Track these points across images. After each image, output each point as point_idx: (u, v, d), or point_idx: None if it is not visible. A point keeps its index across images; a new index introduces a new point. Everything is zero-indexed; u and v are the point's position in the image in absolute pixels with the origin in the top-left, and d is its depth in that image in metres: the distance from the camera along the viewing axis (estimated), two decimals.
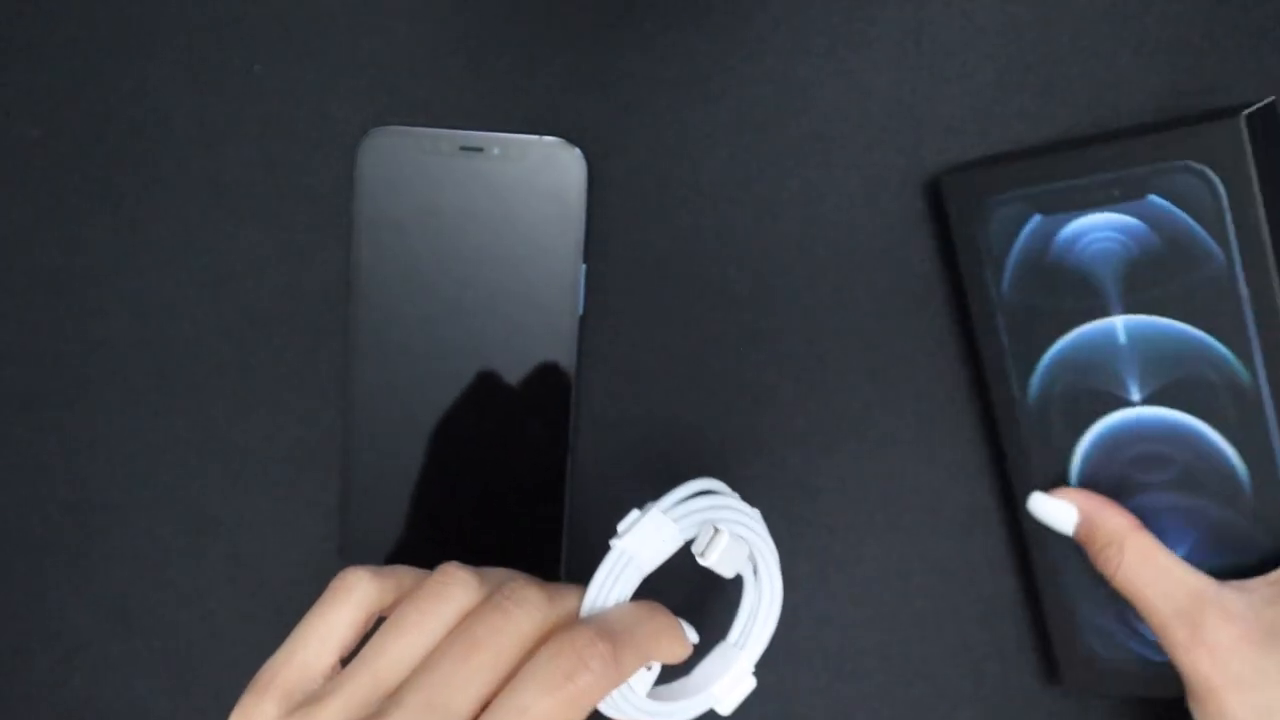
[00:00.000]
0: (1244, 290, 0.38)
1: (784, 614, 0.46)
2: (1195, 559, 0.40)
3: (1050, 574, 0.43)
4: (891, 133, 0.45)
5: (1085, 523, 0.41)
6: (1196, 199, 0.39)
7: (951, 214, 0.43)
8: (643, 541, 0.35)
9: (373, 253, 0.45)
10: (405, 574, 0.36)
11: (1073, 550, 0.43)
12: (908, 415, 0.45)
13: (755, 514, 0.38)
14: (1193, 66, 0.44)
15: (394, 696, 0.32)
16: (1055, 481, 0.43)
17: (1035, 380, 0.42)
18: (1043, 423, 0.42)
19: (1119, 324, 0.40)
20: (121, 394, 0.47)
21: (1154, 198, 0.39)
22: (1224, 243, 0.38)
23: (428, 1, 0.45)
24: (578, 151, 0.44)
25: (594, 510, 0.46)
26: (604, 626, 0.34)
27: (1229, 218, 0.38)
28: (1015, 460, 0.43)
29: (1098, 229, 0.40)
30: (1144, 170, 0.39)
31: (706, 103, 0.45)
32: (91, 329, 0.47)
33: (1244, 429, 0.39)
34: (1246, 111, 0.37)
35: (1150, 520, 0.41)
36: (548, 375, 0.45)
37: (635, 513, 0.35)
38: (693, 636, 0.37)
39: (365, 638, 0.37)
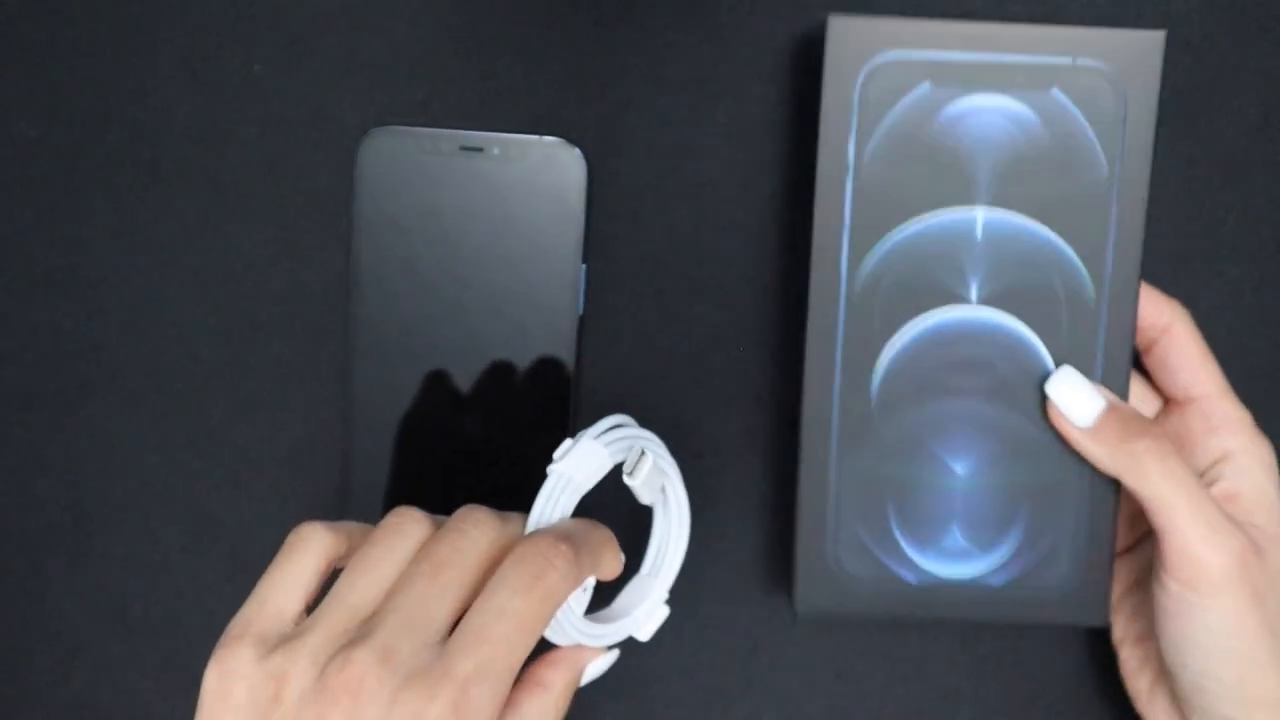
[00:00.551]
0: (1114, 208, 0.38)
1: (784, 613, 0.46)
2: (985, 472, 0.40)
3: (816, 476, 0.40)
4: None
5: (1114, 410, 0.39)
6: (1098, 105, 0.38)
7: (828, 63, 0.39)
8: (579, 464, 0.37)
9: (373, 253, 0.45)
10: (356, 527, 0.37)
11: (849, 451, 0.40)
12: None
13: (662, 443, 0.40)
14: None
15: (371, 620, 0.33)
16: (858, 374, 0.40)
17: (868, 262, 0.39)
18: (862, 309, 0.39)
19: (980, 215, 0.39)
20: (121, 394, 0.47)
21: (1057, 92, 0.38)
22: (1111, 156, 0.38)
23: (428, 1, 0.45)
24: (578, 151, 0.44)
25: (594, 510, 0.46)
26: (560, 532, 0.35)
27: (1123, 130, 0.38)
28: (816, 346, 0.40)
29: (987, 112, 0.38)
30: (1054, 61, 0.38)
31: (706, 103, 0.45)
32: (91, 329, 0.47)
33: (1074, 346, 0.39)
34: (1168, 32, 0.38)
35: (949, 427, 0.40)
36: (548, 375, 0.45)
37: (569, 441, 0.37)
38: (621, 556, 0.38)
39: (325, 589, 0.38)
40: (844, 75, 0.38)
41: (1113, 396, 0.39)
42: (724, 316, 0.46)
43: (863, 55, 0.38)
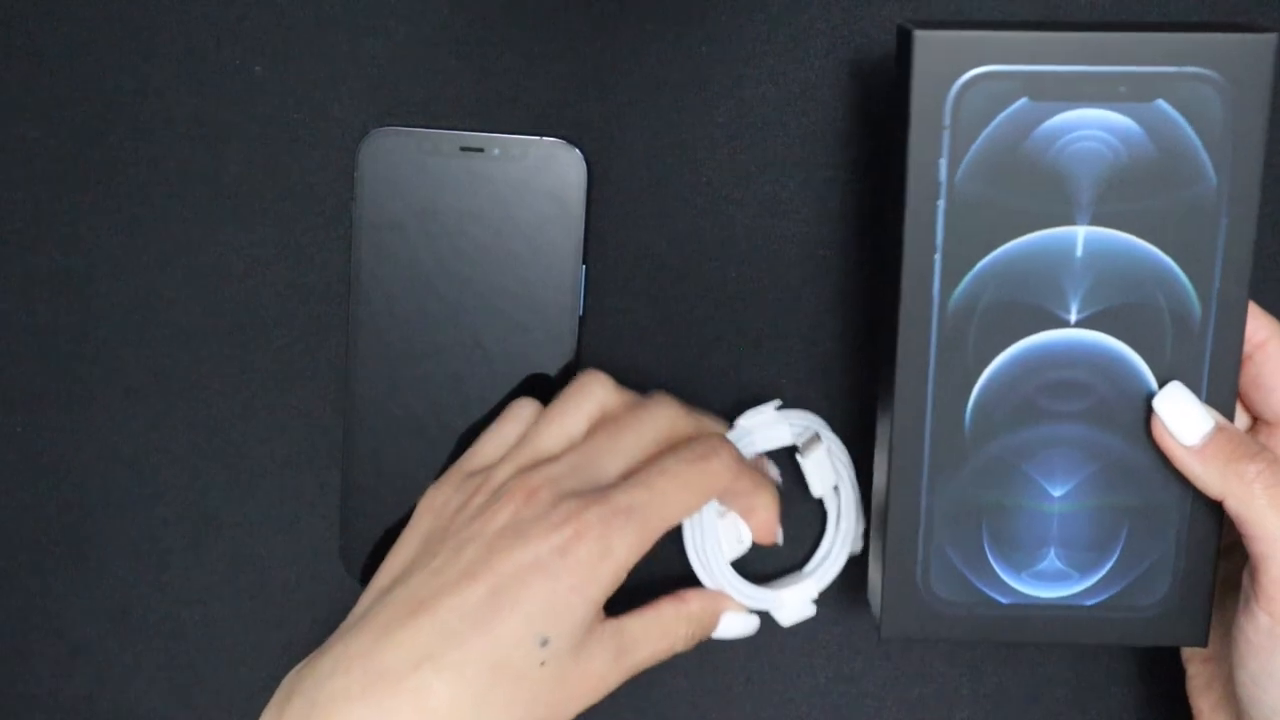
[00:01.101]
0: (1224, 222, 0.37)
1: None
2: (1083, 494, 0.39)
3: (907, 501, 0.39)
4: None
5: (1223, 430, 0.37)
6: (1206, 115, 0.36)
7: (915, 79, 0.36)
8: (760, 427, 0.43)
9: (373, 253, 0.45)
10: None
11: (941, 476, 0.39)
12: None
13: (841, 444, 0.44)
14: None
15: (553, 459, 0.39)
16: (951, 402, 0.38)
17: (964, 284, 0.37)
18: (956, 333, 0.38)
19: (1080, 235, 0.37)
20: (121, 394, 0.47)
21: (1162, 103, 0.36)
22: (1220, 167, 0.36)
23: (428, 2, 0.45)
24: (578, 151, 0.44)
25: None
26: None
27: (1233, 140, 0.36)
28: (906, 374, 0.38)
29: (1088, 126, 0.36)
30: (1158, 71, 0.36)
31: (706, 103, 0.45)
32: (91, 329, 0.47)
33: (1178, 366, 0.38)
34: None
35: (1045, 450, 0.38)
36: (548, 375, 0.45)
37: (752, 410, 0.43)
38: (780, 537, 0.43)
39: None
40: (933, 93, 0.36)
41: (1221, 418, 0.37)
42: (724, 316, 0.46)
43: (953, 72, 0.36)
